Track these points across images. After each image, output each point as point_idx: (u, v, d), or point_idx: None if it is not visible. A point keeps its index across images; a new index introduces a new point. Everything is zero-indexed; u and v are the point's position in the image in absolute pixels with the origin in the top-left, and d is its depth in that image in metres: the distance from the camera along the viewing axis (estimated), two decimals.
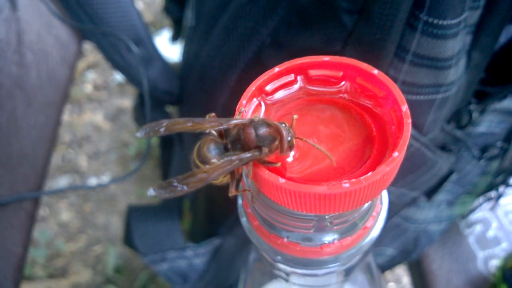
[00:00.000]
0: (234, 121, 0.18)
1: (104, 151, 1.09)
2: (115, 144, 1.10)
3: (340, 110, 0.20)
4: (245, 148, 0.18)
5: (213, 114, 0.19)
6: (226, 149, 0.18)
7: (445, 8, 0.24)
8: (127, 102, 1.17)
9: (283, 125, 0.18)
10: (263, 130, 0.18)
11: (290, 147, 0.18)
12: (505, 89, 0.32)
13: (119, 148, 1.09)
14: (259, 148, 0.17)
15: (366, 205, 0.19)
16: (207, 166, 0.17)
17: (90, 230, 0.97)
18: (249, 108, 0.20)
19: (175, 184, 0.17)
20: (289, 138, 0.18)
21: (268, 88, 0.20)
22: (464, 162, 0.36)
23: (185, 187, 0.17)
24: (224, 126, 0.18)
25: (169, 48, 0.91)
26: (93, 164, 1.07)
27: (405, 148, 0.16)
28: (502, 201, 0.51)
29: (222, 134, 0.19)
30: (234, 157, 0.17)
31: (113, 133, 1.12)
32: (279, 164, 0.17)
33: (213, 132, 0.19)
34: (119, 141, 1.11)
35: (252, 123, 0.18)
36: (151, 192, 0.17)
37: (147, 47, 0.46)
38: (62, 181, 1.03)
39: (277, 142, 0.18)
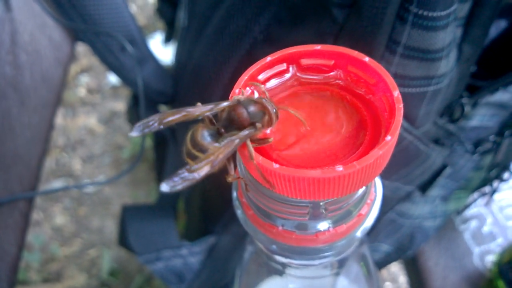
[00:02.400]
0: (222, 104, 0.19)
1: (98, 154, 1.09)
2: (109, 148, 1.10)
3: (333, 98, 0.20)
4: (240, 127, 0.18)
5: (198, 103, 0.19)
6: (219, 134, 0.18)
7: (434, 0, 0.25)
8: (120, 105, 1.17)
9: (264, 100, 0.18)
10: (252, 107, 0.18)
11: (277, 117, 0.19)
12: (496, 82, 0.33)
13: (113, 151, 1.09)
14: (253, 124, 0.18)
15: (361, 191, 0.19)
16: (208, 152, 0.17)
17: (85, 234, 0.97)
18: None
19: (185, 174, 0.17)
20: (274, 110, 0.18)
21: (261, 77, 0.20)
22: (457, 156, 0.36)
23: (195, 175, 0.17)
24: (214, 111, 0.19)
25: (162, 51, 0.91)
26: (87, 168, 1.07)
27: (398, 132, 0.17)
28: (496, 196, 0.51)
29: (212, 120, 0.19)
30: (233, 137, 0.18)
31: (107, 136, 1.12)
32: (271, 139, 0.18)
33: (205, 119, 0.19)
34: (113, 145, 1.10)
35: (240, 103, 0.18)
36: (164, 187, 0.17)
37: (140, 48, 0.46)
38: (56, 185, 1.03)
39: (266, 117, 0.18)
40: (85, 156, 1.09)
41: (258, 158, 0.17)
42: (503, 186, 0.44)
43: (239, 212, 0.21)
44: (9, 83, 0.40)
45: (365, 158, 0.16)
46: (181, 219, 0.52)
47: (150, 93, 0.46)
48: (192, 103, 0.20)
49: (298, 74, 0.21)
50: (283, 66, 0.20)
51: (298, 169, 0.16)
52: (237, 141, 0.17)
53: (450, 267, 0.48)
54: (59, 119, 1.14)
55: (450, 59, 0.28)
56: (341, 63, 0.20)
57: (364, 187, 0.19)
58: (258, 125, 0.18)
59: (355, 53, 0.19)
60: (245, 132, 0.18)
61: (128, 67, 0.45)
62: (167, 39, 0.65)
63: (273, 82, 0.20)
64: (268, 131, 0.19)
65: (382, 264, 0.46)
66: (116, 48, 0.44)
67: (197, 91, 0.41)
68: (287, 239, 0.19)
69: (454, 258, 0.49)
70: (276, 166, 0.16)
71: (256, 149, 0.17)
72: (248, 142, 0.18)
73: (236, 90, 0.19)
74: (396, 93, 0.18)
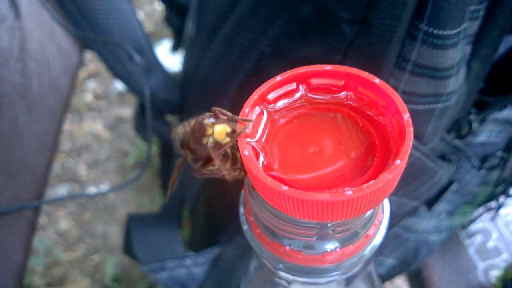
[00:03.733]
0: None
1: (104, 160, 1.09)
2: (115, 153, 1.10)
3: (342, 119, 0.20)
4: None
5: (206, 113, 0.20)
6: None
7: (445, 19, 0.25)
8: (127, 111, 1.17)
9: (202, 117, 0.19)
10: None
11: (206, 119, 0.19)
12: (505, 99, 0.33)
13: (118, 157, 1.10)
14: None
15: (368, 213, 0.19)
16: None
17: (89, 239, 0.97)
18: (251, 116, 0.20)
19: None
20: (207, 120, 0.19)
21: (270, 96, 0.20)
22: (464, 172, 0.36)
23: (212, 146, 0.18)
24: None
25: (169, 58, 0.91)
26: (93, 173, 1.07)
27: (407, 156, 0.16)
28: (502, 211, 0.51)
29: None
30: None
31: (112, 142, 1.12)
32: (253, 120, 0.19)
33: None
34: (119, 150, 1.11)
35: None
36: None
37: (148, 57, 0.46)
38: (61, 190, 1.03)
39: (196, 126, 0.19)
40: (90, 162, 1.09)
41: (267, 179, 0.17)
42: (509, 201, 0.44)
43: (245, 227, 0.21)
44: (18, 91, 0.40)
45: (374, 182, 0.16)
46: (186, 227, 0.52)
47: (157, 102, 0.46)
48: (200, 113, 0.20)
49: (307, 94, 0.21)
50: (293, 85, 0.20)
51: (306, 192, 0.16)
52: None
53: (454, 282, 0.48)
54: (65, 124, 1.14)
55: (459, 76, 0.28)
56: (351, 84, 0.20)
57: (372, 209, 0.19)
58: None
59: (366, 74, 0.19)
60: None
61: (135, 76, 0.45)
62: (175, 48, 0.66)
63: (282, 102, 0.20)
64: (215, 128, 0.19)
65: (386, 277, 0.46)
66: (124, 57, 0.44)
67: (205, 102, 0.41)
68: (294, 258, 0.19)
69: (458, 273, 0.48)
70: (285, 188, 0.16)
71: (264, 169, 0.18)
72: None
73: (246, 109, 0.19)
74: (406, 116, 0.17)
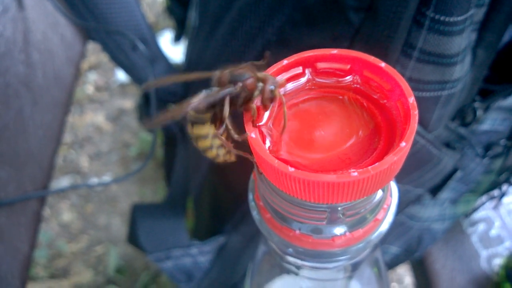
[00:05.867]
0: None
1: (106, 151, 1.09)
2: (117, 145, 1.10)
3: (348, 102, 0.20)
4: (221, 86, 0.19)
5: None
6: None
7: (451, 5, 0.25)
8: (128, 103, 1.17)
9: (262, 74, 0.19)
10: (237, 70, 0.19)
11: (272, 98, 0.19)
12: (509, 87, 0.33)
13: (120, 149, 1.10)
14: (233, 83, 0.19)
15: (378, 197, 0.19)
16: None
17: (92, 230, 0.97)
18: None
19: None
20: (272, 87, 0.19)
21: (279, 78, 0.20)
22: (468, 160, 0.36)
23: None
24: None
25: (171, 49, 0.91)
26: (95, 165, 1.07)
27: (412, 138, 0.17)
28: (505, 200, 0.51)
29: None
30: (209, 91, 0.19)
31: (114, 134, 1.13)
32: (254, 105, 0.19)
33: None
34: (121, 142, 1.11)
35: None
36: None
37: (151, 47, 0.46)
38: (64, 182, 1.04)
39: (252, 79, 0.19)
40: (92, 153, 1.09)
41: (274, 162, 0.17)
42: None
43: (255, 213, 0.22)
44: (22, 82, 0.40)
45: (380, 164, 0.16)
46: (190, 217, 0.52)
47: (161, 92, 0.46)
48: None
49: (314, 78, 0.21)
50: (299, 69, 0.21)
51: (313, 173, 0.16)
52: (213, 93, 0.19)
53: (457, 270, 0.48)
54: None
55: (465, 63, 0.28)
56: (357, 68, 0.20)
57: (381, 193, 0.19)
58: (239, 84, 0.19)
59: (371, 59, 0.19)
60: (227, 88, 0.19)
61: (139, 66, 0.46)
62: (177, 38, 0.66)
63: (289, 86, 0.21)
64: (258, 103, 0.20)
65: (390, 265, 0.46)
66: (128, 47, 0.45)
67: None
68: (303, 242, 0.19)
69: (461, 261, 0.49)
70: (291, 169, 0.16)
71: (271, 152, 0.18)
72: (227, 101, 0.19)
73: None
74: (412, 99, 0.18)
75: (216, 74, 0.20)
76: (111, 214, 0.99)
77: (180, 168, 0.54)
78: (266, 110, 0.20)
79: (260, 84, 0.19)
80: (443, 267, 0.49)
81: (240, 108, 0.20)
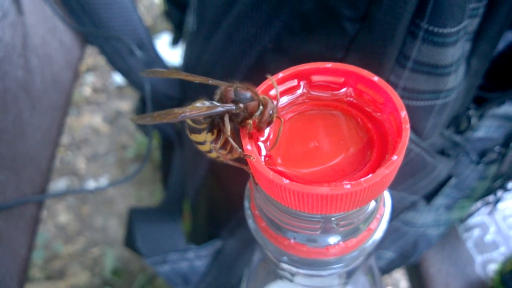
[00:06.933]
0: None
1: (103, 153, 1.10)
2: (114, 147, 1.10)
3: (341, 115, 0.20)
4: (223, 101, 0.20)
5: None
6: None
7: (445, 17, 0.25)
8: (125, 105, 1.18)
9: (264, 97, 0.20)
10: (241, 90, 0.19)
11: (269, 122, 0.19)
12: (504, 95, 0.33)
13: (117, 150, 1.10)
14: (236, 103, 0.19)
15: (370, 207, 0.19)
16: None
17: (88, 232, 0.97)
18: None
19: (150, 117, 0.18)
20: (271, 112, 0.19)
21: (272, 92, 0.21)
22: (462, 167, 0.37)
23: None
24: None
25: (169, 52, 0.92)
26: (92, 167, 1.07)
27: (404, 152, 0.17)
28: (500, 205, 0.51)
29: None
30: (210, 103, 0.19)
31: (111, 135, 1.13)
32: (250, 121, 0.19)
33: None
34: (118, 144, 1.11)
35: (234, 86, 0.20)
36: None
37: (149, 51, 0.46)
38: (61, 184, 1.04)
39: (254, 103, 0.19)
40: (89, 155, 1.09)
41: (269, 173, 0.17)
42: (507, 195, 0.45)
43: (250, 221, 0.22)
44: (21, 87, 0.40)
45: (372, 177, 0.16)
46: (187, 220, 0.52)
47: (158, 96, 0.46)
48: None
49: (309, 91, 0.21)
50: (295, 82, 0.21)
51: (307, 185, 0.16)
52: (211, 106, 0.19)
53: (452, 275, 0.49)
54: None
55: (459, 73, 0.29)
56: (351, 81, 0.20)
57: (374, 203, 0.20)
58: (240, 105, 0.19)
59: (365, 72, 0.20)
60: (223, 105, 0.19)
61: (136, 71, 0.46)
62: (175, 42, 0.66)
63: (284, 98, 0.21)
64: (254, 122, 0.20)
65: (385, 270, 0.47)
66: (125, 51, 0.45)
67: (206, 97, 0.41)
68: (298, 251, 0.20)
69: (457, 266, 0.49)
70: (286, 181, 0.17)
71: (267, 164, 0.18)
72: (227, 119, 0.19)
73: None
74: (404, 113, 0.18)
75: (221, 88, 0.20)
76: (107, 216, 0.99)
77: (177, 172, 0.54)
78: (261, 132, 0.20)
79: (261, 108, 0.19)
80: (438, 271, 0.49)
81: (237, 125, 0.20)
